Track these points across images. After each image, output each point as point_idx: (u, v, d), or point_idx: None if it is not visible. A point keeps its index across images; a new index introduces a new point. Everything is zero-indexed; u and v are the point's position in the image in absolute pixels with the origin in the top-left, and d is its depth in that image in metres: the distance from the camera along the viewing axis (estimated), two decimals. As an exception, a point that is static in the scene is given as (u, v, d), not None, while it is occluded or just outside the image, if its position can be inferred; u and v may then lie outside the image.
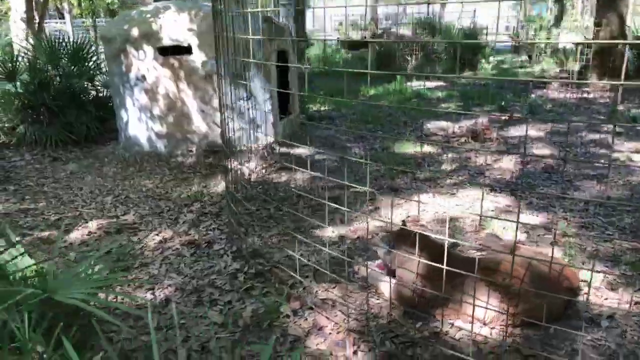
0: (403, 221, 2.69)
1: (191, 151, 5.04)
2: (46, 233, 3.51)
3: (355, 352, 2.11)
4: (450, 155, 5.15)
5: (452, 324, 2.26)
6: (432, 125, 6.58)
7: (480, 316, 2.21)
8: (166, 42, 4.77)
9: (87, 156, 5.35)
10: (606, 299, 2.42)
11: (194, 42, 4.77)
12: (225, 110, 3.49)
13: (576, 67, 11.55)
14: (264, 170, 4.65)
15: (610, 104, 7.87)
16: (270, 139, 5.11)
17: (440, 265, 1.96)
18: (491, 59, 14.17)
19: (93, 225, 3.63)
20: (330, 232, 3.36)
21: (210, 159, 4.98)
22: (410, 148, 5.40)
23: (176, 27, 4.76)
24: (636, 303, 2.37)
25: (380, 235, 2.91)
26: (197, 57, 4.79)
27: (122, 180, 4.61)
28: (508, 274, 2.16)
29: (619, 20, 9.69)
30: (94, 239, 3.42)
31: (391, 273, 2.62)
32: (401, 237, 2.52)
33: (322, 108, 7.82)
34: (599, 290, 2.49)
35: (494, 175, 4.46)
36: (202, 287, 2.72)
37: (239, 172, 4.22)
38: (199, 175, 4.65)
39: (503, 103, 7.74)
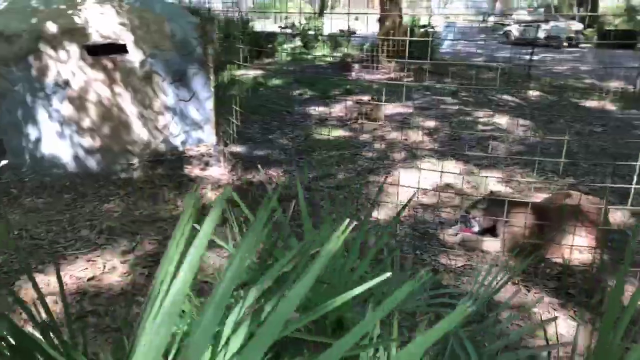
0: (491, 191, 3.25)
1: (132, 164, 4.39)
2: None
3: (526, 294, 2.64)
4: (366, 135, 5.81)
5: (562, 257, 2.98)
6: (314, 112, 7.09)
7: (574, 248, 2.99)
8: (96, 39, 4.01)
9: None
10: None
11: (128, 38, 4.14)
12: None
13: (353, 51, 13.61)
14: (233, 173, 4.46)
15: (417, 82, 9.73)
16: (214, 139, 4.86)
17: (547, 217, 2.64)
18: (285, 46, 15.21)
19: (116, 262, 3.04)
20: (375, 215, 3.65)
21: (159, 169, 4.44)
22: (331, 133, 5.84)
23: (105, 21, 4.04)
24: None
25: (472, 202, 3.38)
26: (134, 56, 4.19)
27: (70, 211, 3.77)
28: (586, 214, 2.99)
29: (398, 11, 11.82)
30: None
31: (486, 231, 3.18)
32: (495, 201, 3.10)
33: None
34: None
35: (423, 147, 5.33)
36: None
37: (231, 178, 4.04)
38: (165, 188, 4.15)
39: (348, 87, 8.76)
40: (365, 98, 7.80)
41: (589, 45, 18.01)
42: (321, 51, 16.19)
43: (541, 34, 17.83)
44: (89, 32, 3.96)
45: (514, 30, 18.54)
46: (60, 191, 4.05)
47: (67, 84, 3.97)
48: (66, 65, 3.93)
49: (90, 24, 3.96)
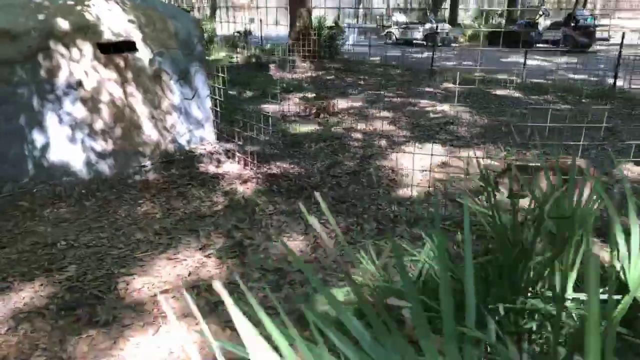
0: (509, 162, 3.85)
1: (144, 166, 4.24)
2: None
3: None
4: (336, 129, 6.18)
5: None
6: (268, 109, 7.25)
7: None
8: (108, 36, 3.82)
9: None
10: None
11: (137, 36, 4.01)
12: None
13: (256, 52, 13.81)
14: (248, 168, 4.52)
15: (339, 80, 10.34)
16: (214, 136, 4.86)
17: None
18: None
19: (200, 257, 3.06)
20: (406, 192, 4.07)
21: (172, 169, 4.33)
22: (303, 128, 6.10)
23: (115, 18, 3.87)
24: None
25: (499, 172, 3.94)
26: (144, 54, 4.06)
27: (105, 217, 3.57)
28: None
29: (307, 13, 12.32)
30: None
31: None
32: (520, 168, 3.72)
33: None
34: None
35: (397, 135, 5.87)
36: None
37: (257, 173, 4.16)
38: (190, 187, 4.10)
39: (285, 85, 9.02)
40: (310, 95, 8.16)
41: (456, 44, 20.35)
42: (217, 53, 16.05)
43: (419, 35, 19.74)
44: (101, 30, 3.77)
45: (395, 31, 20.24)
46: (79, 199, 3.79)
47: (79, 84, 3.73)
48: (79, 64, 3.69)
49: (101, 21, 3.77)
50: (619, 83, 8.73)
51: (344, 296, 2.34)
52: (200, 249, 3.16)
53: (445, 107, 7.16)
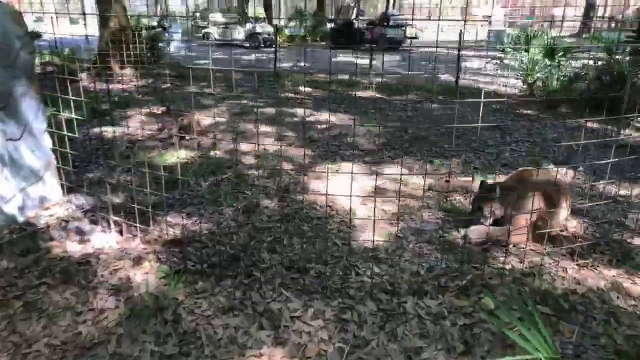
0: (482, 181, 3.15)
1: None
2: None
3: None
4: (217, 154, 4.86)
5: (560, 228, 3.19)
6: (107, 133, 5.51)
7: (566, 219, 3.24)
8: None
9: None
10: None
11: None
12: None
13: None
14: (129, 235, 2.99)
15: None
16: (59, 192, 3.17)
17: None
18: None
19: None
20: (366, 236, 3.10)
21: (2, 261, 2.57)
22: (173, 158, 4.64)
23: None
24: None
25: (476, 196, 3.18)
26: None
27: None
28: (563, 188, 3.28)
29: (123, 10, 10.30)
30: None
31: (497, 221, 3.10)
32: (504, 188, 3.07)
33: None
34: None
35: (295, 154, 4.83)
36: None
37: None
38: (45, 288, 2.44)
39: (116, 99, 7.16)
40: (157, 110, 6.53)
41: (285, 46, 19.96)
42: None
43: (240, 35, 18.78)
44: None
45: (214, 32, 18.91)
46: None
47: None
48: None
49: None
50: (447, 78, 9.30)
51: None
52: None
53: (325, 115, 6.35)
